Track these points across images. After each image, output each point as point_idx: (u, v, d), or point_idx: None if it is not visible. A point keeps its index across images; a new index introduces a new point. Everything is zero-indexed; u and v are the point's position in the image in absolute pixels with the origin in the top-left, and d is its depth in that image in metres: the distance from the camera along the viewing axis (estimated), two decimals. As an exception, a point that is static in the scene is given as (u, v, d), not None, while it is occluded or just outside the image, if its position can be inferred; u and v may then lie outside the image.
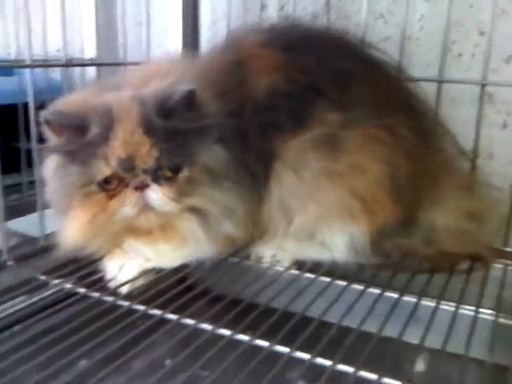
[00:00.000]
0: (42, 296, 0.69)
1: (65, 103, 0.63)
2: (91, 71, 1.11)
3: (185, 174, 0.63)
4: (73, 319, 0.56)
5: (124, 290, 0.65)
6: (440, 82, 0.84)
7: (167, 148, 0.61)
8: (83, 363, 0.52)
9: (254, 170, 0.67)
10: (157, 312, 0.58)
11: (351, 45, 0.78)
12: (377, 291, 0.65)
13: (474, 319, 0.59)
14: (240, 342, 0.53)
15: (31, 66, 0.77)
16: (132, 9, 1.03)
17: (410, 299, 0.63)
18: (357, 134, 0.68)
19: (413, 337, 0.54)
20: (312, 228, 0.69)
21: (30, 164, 0.85)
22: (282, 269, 0.70)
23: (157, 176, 0.62)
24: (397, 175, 0.67)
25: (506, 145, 0.90)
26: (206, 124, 0.63)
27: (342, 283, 0.66)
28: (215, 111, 0.64)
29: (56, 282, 0.67)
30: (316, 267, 0.70)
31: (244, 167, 0.67)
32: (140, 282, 0.66)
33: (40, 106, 0.67)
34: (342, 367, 0.50)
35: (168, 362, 0.61)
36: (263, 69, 0.69)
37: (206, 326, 0.56)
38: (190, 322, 0.56)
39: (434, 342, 0.54)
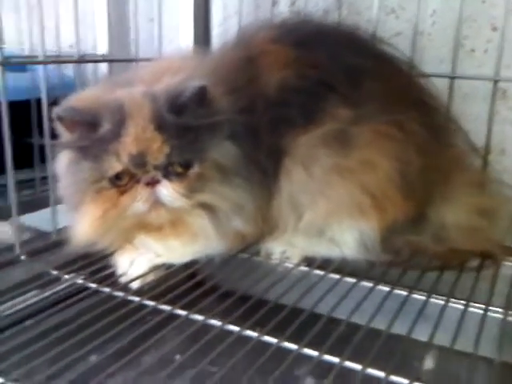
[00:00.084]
0: (53, 291, 0.69)
1: (77, 99, 0.64)
2: (103, 67, 1.12)
3: (195, 170, 0.63)
4: (84, 314, 0.56)
5: (134, 285, 0.65)
6: (452, 77, 0.84)
7: (178, 144, 0.61)
8: (94, 358, 0.53)
9: (264, 166, 0.67)
10: (166, 307, 0.58)
11: (363, 40, 0.78)
12: (386, 288, 0.65)
13: (484, 317, 0.59)
14: (249, 338, 0.53)
15: (44, 63, 0.78)
16: (144, 5, 1.04)
17: (419, 297, 0.63)
18: (368, 130, 0.67)
19: (422, 334, 0.54)
20: (322, 224, 0.69)
21: (42, 160, 0.86)
22: (291, 265, 0.70)
23: (168, 172, 0.62)
24: (407, 171, 0.67)
25: (519, 141, 0.90)
26: (217, 120, 0.63)
27: (352, 280, 0.66)
28: (226, 107, 0.64)
29: (68, 276, 0.67)
30: (325, 264, 0.70)
31: (254, 163, 0.67)
32: (150, 278, 0.67)
33: (53, 102, 0.68)
34: (350, 364, 0.50)
35: (177, 357, 0.62)
36: (274, 65, 0.69)
37: (215, 322, 0.56)
38: (199, 317, 0.57)
39: (442, 339, 0.53)
